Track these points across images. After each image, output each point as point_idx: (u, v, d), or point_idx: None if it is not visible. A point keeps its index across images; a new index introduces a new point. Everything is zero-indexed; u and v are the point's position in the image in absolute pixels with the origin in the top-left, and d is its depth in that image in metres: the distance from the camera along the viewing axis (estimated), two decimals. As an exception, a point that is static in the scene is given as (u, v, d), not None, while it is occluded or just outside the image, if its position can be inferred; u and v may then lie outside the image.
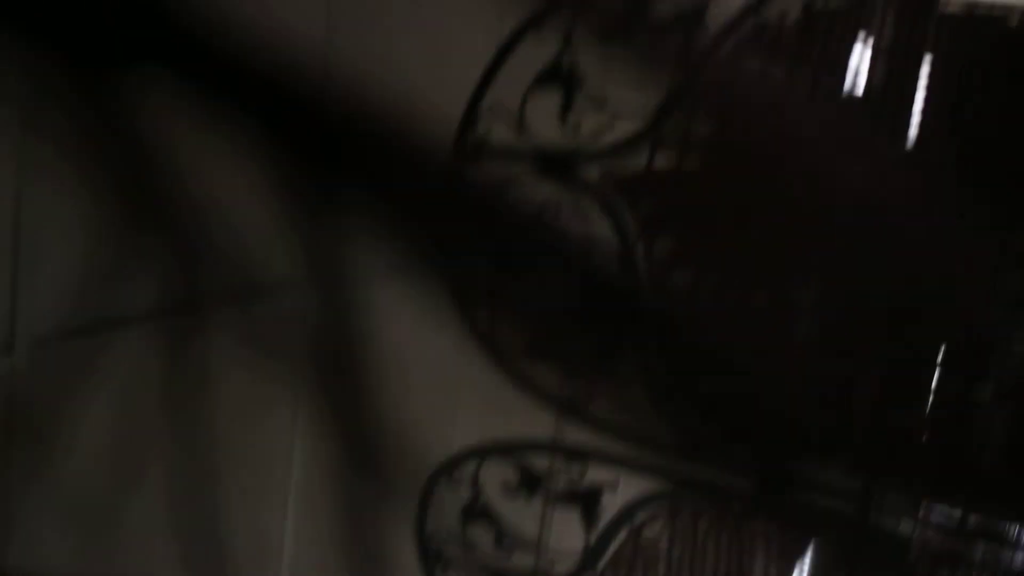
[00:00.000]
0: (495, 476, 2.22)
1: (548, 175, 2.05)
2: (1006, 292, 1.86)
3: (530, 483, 2.19)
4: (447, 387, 2.50)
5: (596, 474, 2.17)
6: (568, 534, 2.20)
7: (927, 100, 1.92)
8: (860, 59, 1.96)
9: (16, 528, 1.86)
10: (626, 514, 2.14)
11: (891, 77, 1.94)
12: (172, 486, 2.11)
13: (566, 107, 2.03)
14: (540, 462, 2.22)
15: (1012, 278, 1.87)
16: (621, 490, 2.15)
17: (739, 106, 1.98)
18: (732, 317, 1.98)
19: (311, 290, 2.26)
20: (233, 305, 2.13)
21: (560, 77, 2.02)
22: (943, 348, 1.89)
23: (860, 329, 1.91)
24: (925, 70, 1.92)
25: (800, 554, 2.06)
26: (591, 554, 2.16)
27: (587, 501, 2.16)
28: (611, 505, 2.18)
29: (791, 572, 2.07)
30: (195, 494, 2.16)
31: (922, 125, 1.93)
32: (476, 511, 2.23)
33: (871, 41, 1.95)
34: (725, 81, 1.98)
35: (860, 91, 1.99)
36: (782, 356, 1.98)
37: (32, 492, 1.88)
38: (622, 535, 2.16)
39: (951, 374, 1.88)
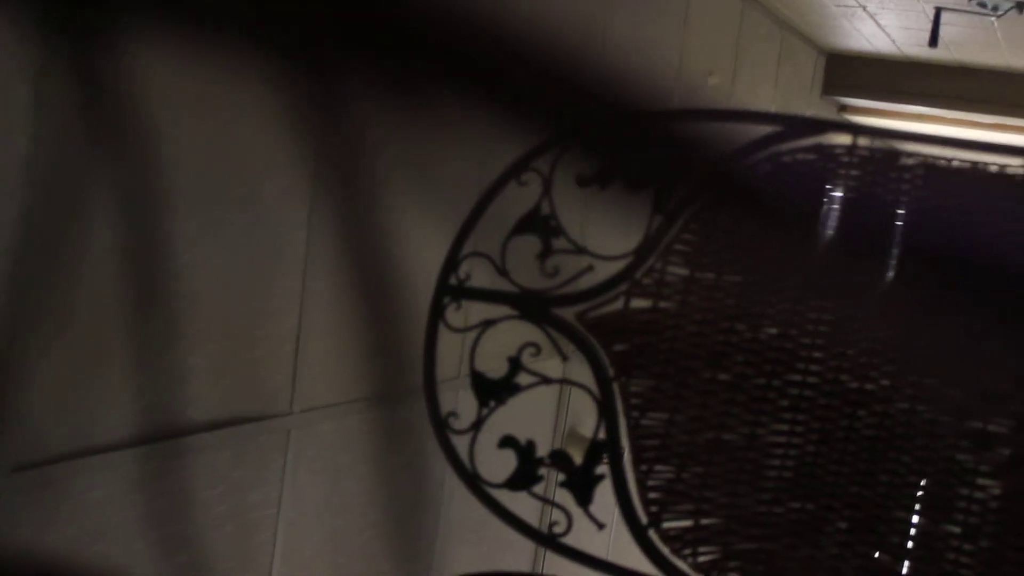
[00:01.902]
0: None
1: (527, 317, 2.12)
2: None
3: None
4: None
5: None
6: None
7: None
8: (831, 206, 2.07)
9: None
10: None
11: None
12: None
13: (544, 252, 2.11)
14: None
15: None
16: None
17: (715, 251, 2.06)
18: (705, 455, 2.04)
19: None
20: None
21: (539, 224, 2.10)
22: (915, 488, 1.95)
23: (834, 467, 1.96)
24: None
25: None
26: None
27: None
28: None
29: None
30: None
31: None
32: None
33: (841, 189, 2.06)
34: (701, 227, 2.07)
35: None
36: (754, 490, 2.03)
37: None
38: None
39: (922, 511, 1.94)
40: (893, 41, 6.37)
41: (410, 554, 3.56)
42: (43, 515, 2.24)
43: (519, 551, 4.20)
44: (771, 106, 6.39)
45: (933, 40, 5.46)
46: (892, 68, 6.97)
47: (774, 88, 6.39)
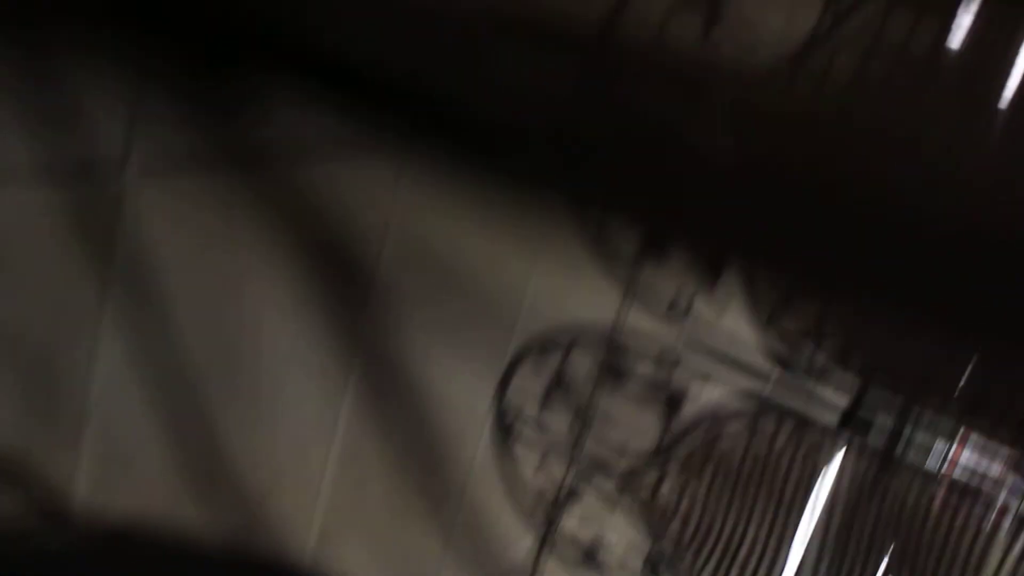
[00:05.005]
0: (583, 363, 2.29)
1: (682, 93, 2.05)
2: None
3: (617, 375, 2.26)
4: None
5: (683, 377, 2.23)
6: (643, 431, 2.28)
7: None
8: None
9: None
10: (705, 421, 2.21)
11: None
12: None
13: (709, 24, 2.03)
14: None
15: None
16: (705, 399, 2.22)
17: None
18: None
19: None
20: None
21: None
22: None
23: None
24: None
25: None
26: (662, 452, 2.24)
27: (670, 402, 2.23)
28: (692, 411, 2.26)
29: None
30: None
31: None
32: (558, 393, 2.30)
33: None
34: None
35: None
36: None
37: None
38: (697, 441, 2.24)
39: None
40: None
41: None
42: None
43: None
44: None
45: None
46: None
47: None
